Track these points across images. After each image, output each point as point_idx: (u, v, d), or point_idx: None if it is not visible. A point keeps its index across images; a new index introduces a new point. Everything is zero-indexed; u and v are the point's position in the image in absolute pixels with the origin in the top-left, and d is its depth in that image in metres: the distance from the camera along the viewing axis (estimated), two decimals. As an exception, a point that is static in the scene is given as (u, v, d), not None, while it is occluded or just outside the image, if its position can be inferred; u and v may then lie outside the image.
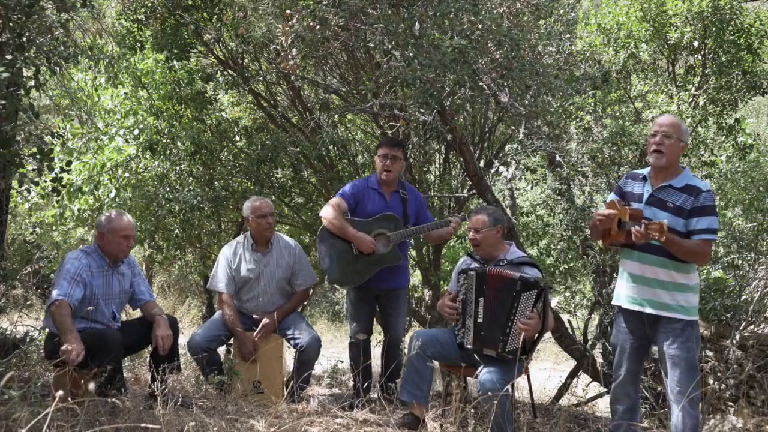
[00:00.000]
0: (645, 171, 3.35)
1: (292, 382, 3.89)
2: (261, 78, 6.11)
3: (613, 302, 3.45)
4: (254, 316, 4.19)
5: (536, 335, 3.47)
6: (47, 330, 3.69)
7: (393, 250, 4.00)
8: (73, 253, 3.67)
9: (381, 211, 4.04)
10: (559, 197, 5.83)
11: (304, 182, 6.43)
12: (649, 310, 3.21)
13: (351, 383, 4.48)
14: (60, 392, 2.02)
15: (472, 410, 3.87)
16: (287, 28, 4.28)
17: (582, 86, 5.69)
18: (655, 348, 3.41)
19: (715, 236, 3.18)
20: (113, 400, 3.11)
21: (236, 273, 4.21)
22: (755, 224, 4.93)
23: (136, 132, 6.06)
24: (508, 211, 5.52)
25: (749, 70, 6.16)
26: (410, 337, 3.75)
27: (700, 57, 6.38)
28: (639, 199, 3.28)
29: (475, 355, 3.53)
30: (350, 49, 5.17)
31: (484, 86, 4.49)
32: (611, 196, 3.44)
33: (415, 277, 7.51)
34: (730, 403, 4.38)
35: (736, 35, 6.12)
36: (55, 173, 3.80)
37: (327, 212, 3.99)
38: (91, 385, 2.48)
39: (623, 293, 3.32)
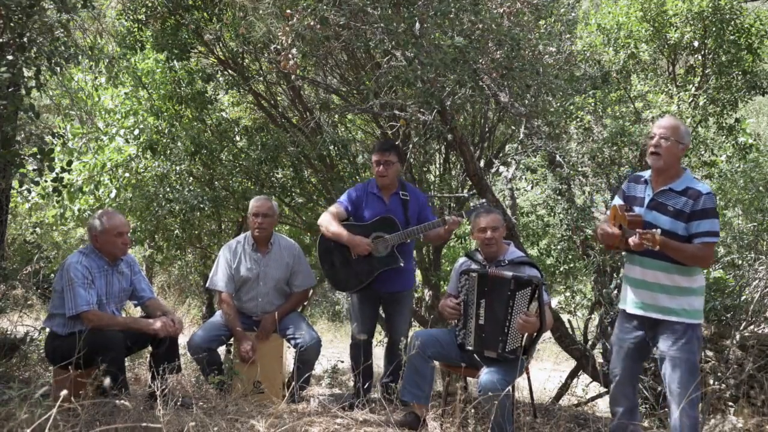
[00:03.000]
0: (647, 174, 3.33)
1: (292, 383, 3.89)
2: (261, 78, 6.11)
3: (619, 305, 3.46)
4: (253, 317, 4.20)
5: (535, 334, 3.47)
6: (47, 330, 3.69)
7: (391, 252, 4.00)
8: (73, 257, 3.64)
9: (380, 214, 4.05)
10: (559, 197, 5.83)
11: (305, 182, 6.43)
12: (651, 314, 3.21)
13: (351, 383, 4.48)
14: (64, 392, 2.02)
15: (473, 410, 3.87)
16: (287, 28, 4.28)
17: (582, 86, 5.69)
18: (656, 349, 3.41)
19: (716, 239, 3.15)
20: (113, 400, 3.11)
21: (236, 272, 4.22)
22: (755, 224, 4.93)
23: (136, 132, 6.06)
24: (509, 211, 5.52)
25: (749, 70, 6.16)
26: (410, 337, 3.75)
27: (700, 57, 6.38)
28: (641, 203, 3.27)
29: (476, 356, 3.53)
30: (351, 48, 5.17)
31: (484, 86, 4.49)
32: (616, 200, 3.43)
33: (415, 277, 7.50)
34: (731, 403, 4.38)
35: (736, 35, 6.12)
36: (56, 173, 3.80)
37: (323, 220, 4.08)
38: (107, 381, 2.47)
39: (627, 297, 3.33)
